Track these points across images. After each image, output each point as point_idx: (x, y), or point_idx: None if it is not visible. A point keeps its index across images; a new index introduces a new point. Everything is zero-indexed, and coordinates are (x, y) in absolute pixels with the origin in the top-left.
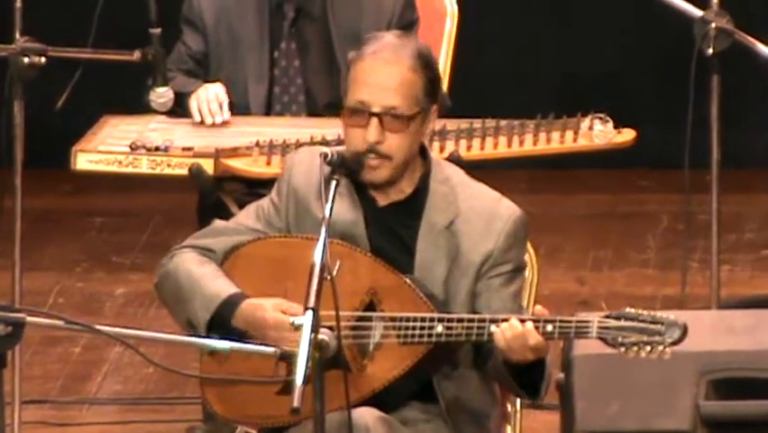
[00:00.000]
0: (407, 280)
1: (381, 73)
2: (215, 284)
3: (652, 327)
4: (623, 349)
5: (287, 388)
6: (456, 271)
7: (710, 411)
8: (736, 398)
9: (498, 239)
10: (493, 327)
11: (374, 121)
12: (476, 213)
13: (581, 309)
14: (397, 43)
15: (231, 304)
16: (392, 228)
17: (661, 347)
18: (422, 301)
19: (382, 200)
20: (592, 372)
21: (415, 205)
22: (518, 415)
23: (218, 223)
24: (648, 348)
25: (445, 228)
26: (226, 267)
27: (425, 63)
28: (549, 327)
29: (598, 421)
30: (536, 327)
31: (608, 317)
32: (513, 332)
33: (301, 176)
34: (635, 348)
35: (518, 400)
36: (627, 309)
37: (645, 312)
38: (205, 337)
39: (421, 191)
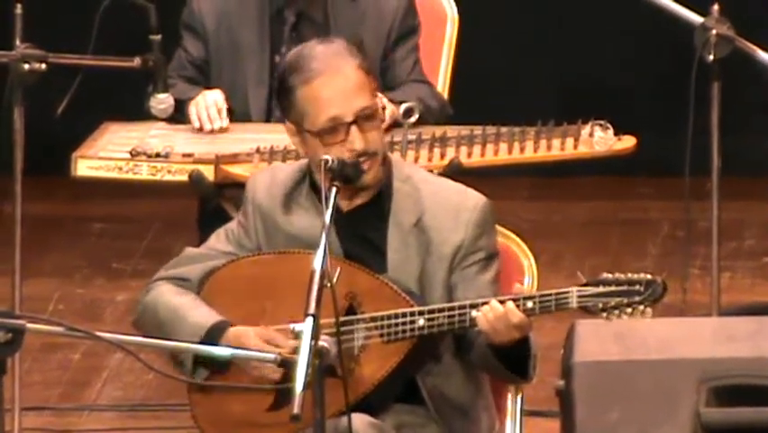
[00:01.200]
0: (385, 280)
1: (338, 83)
2: (197, 314)
3: (630, 288)
4: (605, 315)
5: (278, 403)
6: (430, 266)
7: (711, 419)
8: (736, 405)
9: (467, 229)
10: (474, 312)
11: (353, 129)
12: (442, 207)
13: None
14: (328, 51)
15: (214, 334)
16: (361, 232)
17: (642, 307)
18: (401, 298)
19: (346, 205)
20: (592, 378)
21: (380, 206)
22: (519, 424)
23: (189, 250)
24: (629, 310)
25: (413, 226)
26: (203, 294)
27: (359, 53)
28: (529, 304)
29: (598, 429)
30: (517, 305)
31: (586, 285)
32: (495, 313)
33: (263, 192)
34: (617, 312)
35: (518, 409)
36: (604, 275)
37: (622, 275)
38: (193, 363)
39: (384, 192)
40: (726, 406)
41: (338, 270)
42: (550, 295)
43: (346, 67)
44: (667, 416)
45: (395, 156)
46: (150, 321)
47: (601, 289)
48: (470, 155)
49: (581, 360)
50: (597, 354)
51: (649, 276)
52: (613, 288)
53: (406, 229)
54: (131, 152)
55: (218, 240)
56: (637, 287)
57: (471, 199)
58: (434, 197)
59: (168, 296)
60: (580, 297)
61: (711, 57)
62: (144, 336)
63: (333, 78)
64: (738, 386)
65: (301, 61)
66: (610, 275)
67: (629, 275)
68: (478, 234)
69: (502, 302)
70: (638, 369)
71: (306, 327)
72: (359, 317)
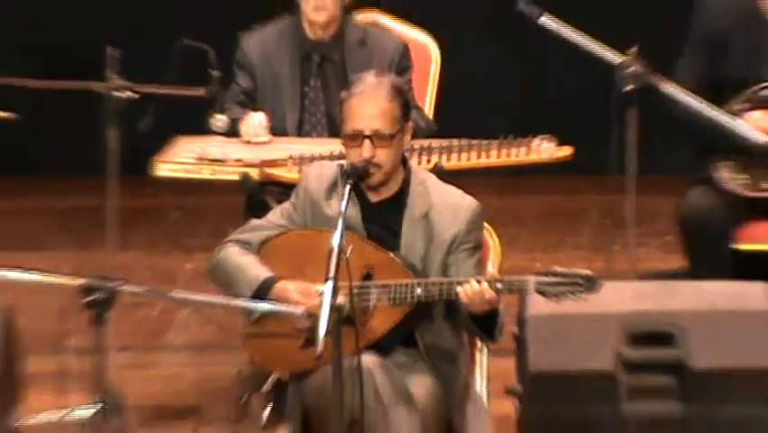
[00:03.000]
0: (394, 257)
1: (367, 106)
2: (254, 270)
3: (574, 280)
4: (555, 298)
5: (309, 343)
6: (432, 249)
7: (628, 357)
8: (647, 346)
9: (462, 225)
10: (459, 288)
11: (366, 142)
12: (445, 206)
13: None
14: (375, 82)
15: (266, 286)
16: (382, 219)
17: (583, 295)
18: (405, 272)
19: (374, 198)
20: (540, 327)
21: (399, 201)
22: (485, 362)
23: (254, 222)
24: (572, 296)
25: (422, 218)
26: (261, 255)
27: (398, 94)
28: (499, 285)
29: (545, 364)
30: (490, 286)
31: (543, 275)
32: (473, 290)
33: (313, 182)
34: (563, 297)
35: (485, 351)
36: (556, 268)
37: (569, 270)
38: (249, 302)
39: (403, 191)
40: (639, 347)
41: (350, 247)
42: (514, 281)
43: (379, 96)
44: (596, 354)
45: (413, 164)
46: (220, 272)
47: (553, 279)
48: (449, 160)
49: (532, 313)
50: (544, 309)
51: (590, 273)
52: (561, 279)
53: (416, 220)
54: (197, 158)
55: (275, 215)
56: (579, 279)
57: (467, 203)
58: (440, 197)
59: (234, 255)
60: (537, 284)
61: (627, 88)
62: (214, 286)
63: (366, 100)
64: (649, 332)
65: (356, 81)
66: (560, 268)
67: (573, 270)
68: (470, 228)
69: (480, 282)
70: (575, 320)
71: (326, 287)
72: (373, 283)
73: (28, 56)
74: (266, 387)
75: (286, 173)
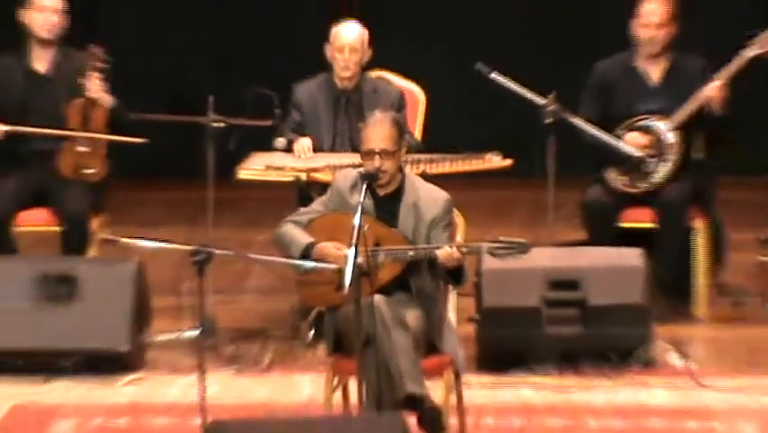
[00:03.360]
0: (395, 231)
1: (377, 132)
2: (302, 239)
3: (513, 245)
4: (500, 258)
5: (339, 287)
6: (419, 226)
7: (548, 297)
8: (561, 290)
9: (439, 210)
10: (437, 251)
11: (377, 156)
12: (428, 197)
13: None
14: (381, 116)
15: (310, 246)
16: (387, 206)
17: (520, 255)
18: (402, 241)
19: (381, 193)
20: (491, 277)
21: (397, 195)
22: (454, 301)
23: (302, 208)
24: (512, 257)
25: (413, 205)
26: (307, 229)
27: (397, 124)
28: (464, 249)
29: (494, 301)
30: (458, 250)
31: (492, 242)
32: (447, 252)
33: (342, 181)
34: (506, 257)
35: (454, 293)
36: (501, 237)
37: (510, 238)
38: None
39: (401, 188)
40: (555, 290)
41: (366, 225)
42: (473, 246)
43: (384, 125)
44: (528, 295)
45: (407, 170)
46: (280, 241)
47: (498, 245)
48: (431, 168)
49: (485, 268)
50: (493, 265)
51: (524, 240)
52: (504, 245)
53: (409, 207)
54: (265, 166)
55: (316, 204)
56: (517, 246)
57: (442, 195)
58: (424, 192)
59: (289, 229)
60: (488, 249)
61: (547, 121)
62: (276, 250)
63: (376, 128)
64: (562, 280)
65: (369, 116)
66: (504, 237)
67: (513, 238)
68: (444, 212)
69: (451, 247)
70: (513, 272)
71: (350, 251)
72: (381, 248)
73: (149, 95)
74: (310, 317)
75: (324, 177)
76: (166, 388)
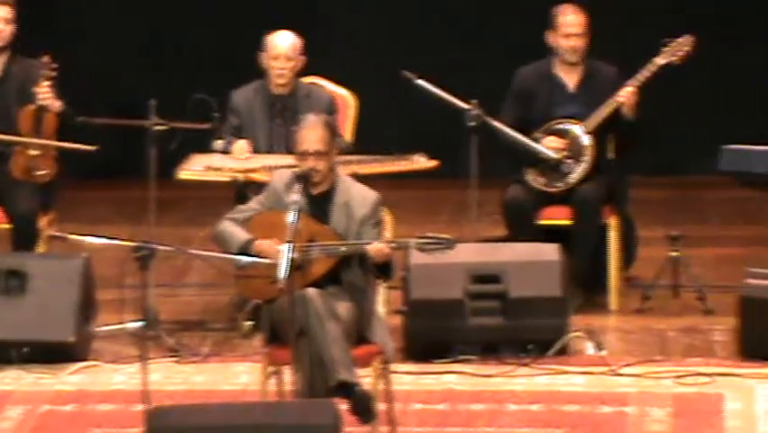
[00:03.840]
0: (328, 228)
1: (310, 135)
2: (240, 235)
3: (439, 241)
4: (427, 253)
5: (274, 281)
6: (351, 223)
7: (471, 290)
8: (483, 283)
9: (369, 208)
10: (368, 246)
11: (310, 157)
12: (359, 196)
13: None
14: (315, 119)
15: (248, 243)
16: (320, 205)
17: (446, 251)
18: (335, 237)
19: (315, 192)
20: (418, 271)
21: (330, 194)
22: (383, 294)
23: (240, 206)
24: (438, 252)
25: (344, 204)
26: (246, 226)
27: (329, 127)
28: (393, 245)
29: (421, 294)
30: (387, 245)
31: (420, 238)
32: (376, 248)
33: (278, 180)
34: (432, 252)
35: (383, 286)
36: (428, 234)
37: (436, 235)
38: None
39: (333, 188)
40: (478, 284)
41: (301, 221)
42: (401, 242)
43: (317, 128)
44: (452, 288)
45: (339, 170)
46: (219, 237)
47: (425, 240)
48: (360, 169)
49: (413, 262)
50: (420, 260)
51: (449, 236)
52: (430, 240)
53: (341, 205)
54: (204, 167)
55: (253, 202)
56: (443, 241)
57: (372, 194)
58: (355, 191)
59: (228, 226)
60: (416, 244)
61: (471, 124)
62: (215, 246)
63: (309, 130)
64: (484, 274)
65: (303, 120)
66: (431, 234)
67: (439, 235)
68: (374, 211)
69: (380, 243)
70: (439, 267)
71: (285, 247)
72: (314, 244)
73: (96, 102)
74: (248, 309)
75: (260, 177)
76: (110, 376)
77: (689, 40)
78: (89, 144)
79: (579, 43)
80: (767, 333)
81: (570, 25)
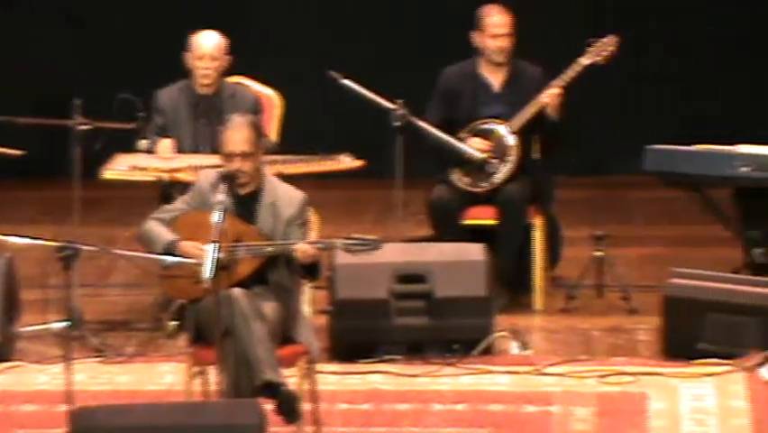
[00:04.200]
0: (255, 228)
1: (236, 135)
2: (166, 236)
3: (365, 242)
4: (353, 253)
5: (200, 280)
6: (277, 223)
7: (396, 290)
8: (408, 283)
9: (295, 208)
10: (294, 247)
11: (236, 158)
12: (286, 196)
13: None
14: (240, 120)
15: (173, 243)
16: (247, 205)
17: (372, 252)
18: (261, 237)
19: (242, 192)
20: (343, 271)
21: (257, 194)
22: (309, 293)
23: (166, 206)
24: (363, 252)
25: (271, 204)
26: (171, 226)
27: (254, 127)
28: (320, 245)
29: (346, 294)
30: (313, 246)
31: (346, 238)
32: (302, 249)
33: (204, 180)
34: (358, 252)
35: (309, 286)
36: (354, 234)
37: (362, 236)
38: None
39: (260, 189)
40: (404, 284)
41: (227, 221)
42: (328, 242)
43: (243, 128)
44: (377, 288)
45: (266, 170)
46: (144, 237)
47: (351, 241)
48: (286, 169)
49: (339, 263)
50: (346, 260)
51: (375, 237)
52: (356, 241)
53: (267, 206)
54: (130, 167)
55: (179, 202)
56: (368, 242)
57: (298, 194)
58: (282, 192)
59: (153, 226)
60: (342, 245)
61: (396, 124)
62: (140, 246)
63: (235, 131)
64: (409, 274)
65: (229, 120)
66: (357, 235)
67: (365, 236)
68: (300, 211)
69: (307, 243)
70: (364, 266)
71: (210, 247)
72: (240, 244)
73: (20, 101)
74: (173, 309)
75: (185, 177)
76: (34, 376)
77: (613, 40)
78: (14, 147)
79: (505, 44)
80: (690, 332)
81: (496, 26)
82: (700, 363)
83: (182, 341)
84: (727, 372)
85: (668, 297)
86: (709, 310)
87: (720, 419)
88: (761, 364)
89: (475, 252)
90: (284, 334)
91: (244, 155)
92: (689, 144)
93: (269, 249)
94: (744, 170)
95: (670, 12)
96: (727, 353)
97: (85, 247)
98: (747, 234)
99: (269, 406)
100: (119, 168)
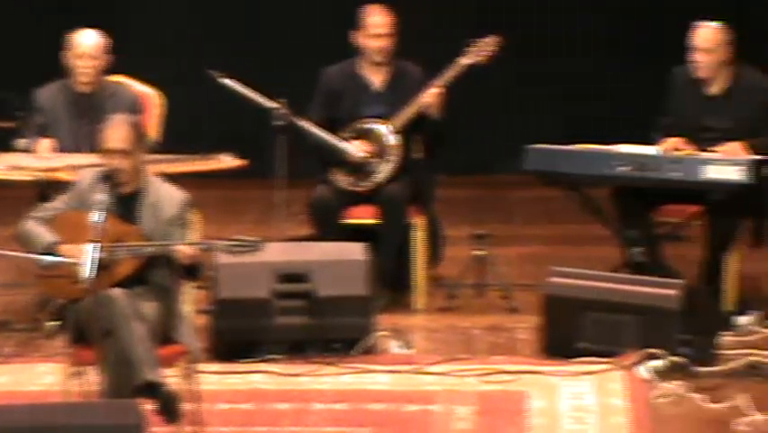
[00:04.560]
0: (136, 228)
1: (115, 134)
2: (45, 236)
3: (246, 243)
4: (234, 254)
5: (80, 280)
6: (159, 224)
7: (278, 289)
8: (290, 282)
9: (177, 209)
10: (175, 248)
11: (116, 156)
12: (168, 196)
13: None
14: (120, 119)
15: (52, 245)
16: (128, 205)
17: (251, 252)
18: (142, 238)
19: (123, 191)
20: (225, 271)
21: (138, 193)
22: (190, 293)
23: (44, 205)
24: (245, 254)
25: (152, 204)
26: (51, 225)
27: (134, 126)
28: (203, 246)
29: (228, 293)
30: (195, 247)
31: (228, 240)
32: (184, 250)
33: (82, 181)
34: (240, 253)
35: (190, 287)
36: (235, 236)
37: (243, 237)
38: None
39: (141, 188)
40: (285, 283)
41: (107, 221)
42: (210, 244)
43: (122, 126)
44: (259, 287)
45: (148, 170)
46: (23, 237)
47: (233, 242)
48: (168, 168)
49: (221, 263)
50: (228, 260)
51: (256, 238)
52: (238, 242)
53: (149, 205)
54: (9, 167)
55: (58, 201)
56: (249, 243)
57: (180, 194)
58: (164, 192)
59: (33, 225)
60: (224, 246)
61: (277, 123)
62: (19, 245)
63: (114, 129)
64: (291, 273)
65: (109, 119)
66: (239, 236)
67: (246, 237)
68: (182, 211)
69: (188, 244)
70: (246, 266)
71: (90, 247)
72: (121, 244)
73: None
74: (52, 309)
75: (64, 176)
76: None
77: (493, 40)
78: None
79: (385, 44)
80: (570, 331)
81: (376, 26)
82: (580, 361)
83: (61, 341)
84: (606, 370)
85: (547, 296)
86: (588, 309)
87: (599, 417)
88: (639, 363)
89: (356, 251)
90: (164, 334)
91: (123, 153)
92: (568, 144)
93: (150, 249)
94: (622, 170)
95: (553, 12)
96: (606, 351)
97: None
98: (626, 233)
99: (149, 406)
100: None
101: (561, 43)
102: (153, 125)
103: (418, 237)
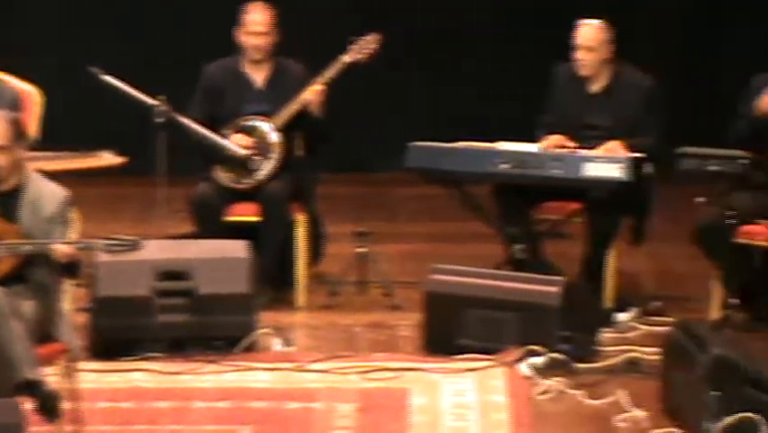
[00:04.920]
0: (15, 226)
1: None
2: None
3: (125, 242)
4: (113, 253)
5: None
6: (39, 222)
7: (158, 287)
8: (171, 280)
9: (57, 206)
10: (54, 246)
11: None
12: (48, 193)
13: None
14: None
15: None
16: (9, 202)
17: (132, 252)
18: (22, 236)
19: (2, 188)
20: (105, 268)
21: (18, 191)
22: (70, 291)
23: None
24: (124, 253)
25: (32, 202)
26: None
27: (12, 123)
28: (79, 245)
29: (108, 291)
30: (73, 246)
31: (105, 239)
32: (62, 249)
33: None
34: (118, 252)
35: (71, 283)
36: (114, 235)
37: (122, 236)
38: None
39: (21, 185)
40: (166, 281)
41: None
42: (89, 243)
43: (1, 123)
44: (139, 285)
45: (28, 167)
46: None
47: (111, 241)
48: (47, 165)
49: (101, 260)
50: (106, 258)
51: (135, 237)
52: (117, 242)
53: (29, 203)
54: None
55: None
56: (128, 242)
57: (60, 191)
58: (45, 189)
59: None
60: (102, 245)
61: (158, 120)
62: None
63: None
64: (171, 271)
65: None
66: (117, 235)
67: (124, 236)
68: (62, 209)
69: (66, 243)
70: (125, 264)
71: None
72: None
73: None
74: None
75: None
76: None
77: (375, 38)
78: None
79: (262, 42)
80: (451, 328)
81: (255, 24)
82: (461, 358)
83: None
84: (487, 367)
85: (429, 293)
86: (470, 306)
87: (480, 414)
88: (520, 360)
89: (238, 249)
90: (43, 332)
91: (1, 149)
92: (451, 142)
93: (29, 248)
94: (503, 167)
95: (437, 10)
96: (488, 348)
97: None
98: (507, 230)
99: (28, 405)
100: None
101: (445, 41)
102: (33, 123)
103: (300, 235)
